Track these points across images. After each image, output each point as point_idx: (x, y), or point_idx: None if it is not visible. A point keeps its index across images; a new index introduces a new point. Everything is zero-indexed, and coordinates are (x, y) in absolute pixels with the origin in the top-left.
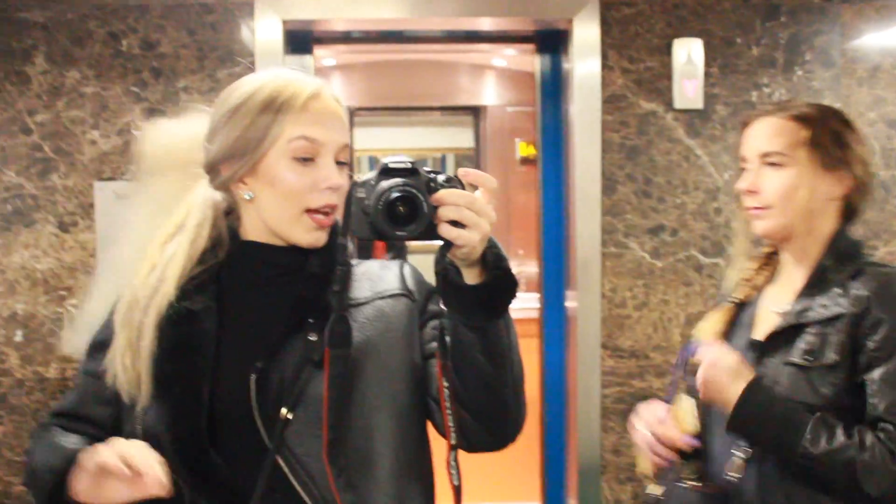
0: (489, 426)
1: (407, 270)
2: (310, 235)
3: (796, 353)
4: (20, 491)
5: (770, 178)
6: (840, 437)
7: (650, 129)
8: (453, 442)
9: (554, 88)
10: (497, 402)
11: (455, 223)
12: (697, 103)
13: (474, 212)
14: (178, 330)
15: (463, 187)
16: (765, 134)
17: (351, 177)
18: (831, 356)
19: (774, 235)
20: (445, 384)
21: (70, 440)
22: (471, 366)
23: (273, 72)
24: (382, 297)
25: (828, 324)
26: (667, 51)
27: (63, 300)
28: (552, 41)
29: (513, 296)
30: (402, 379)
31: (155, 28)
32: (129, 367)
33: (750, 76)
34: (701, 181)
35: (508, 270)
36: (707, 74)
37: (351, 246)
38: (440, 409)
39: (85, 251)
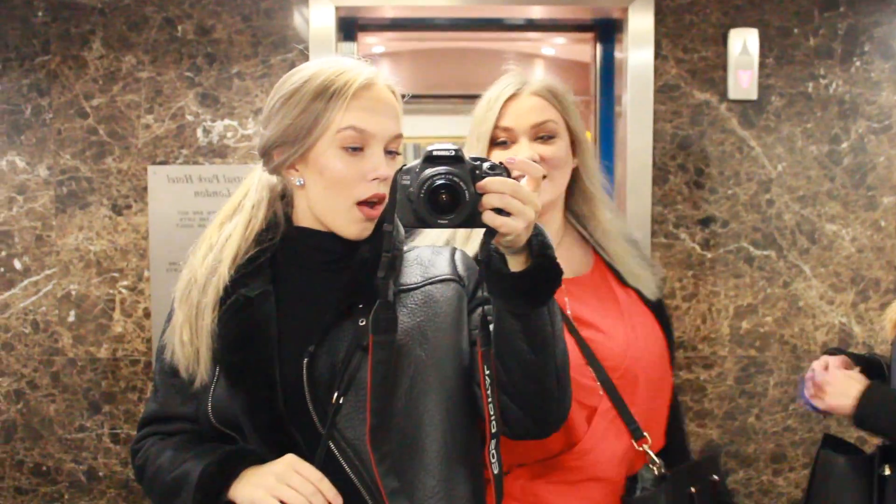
0: (532, 413)
1: (458, 256)
2: (356, 227)
3: None
4: (71, 468)
5: None
6: None
7: (703, 119)
8: (493, 430)
9: (607, 77)
10: (539, 389)
11: (499, 211)
12: (752, 94)
13: (519, 199)
14: (240, 318)
15: (509, 175)
16: None
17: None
18: None
19: None
20: (487, 371)
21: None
22: (513, 353)
23: (330, 60)
24: (432, 282)
25: None
26: (722, 41)
27: (115, 282)
28: (608, 29)
29: (556, 284)
30: (450, 364)
31: (210, 14)
32: (188, 343)
33: (806, 67)
34: (754, 172)
35: (552, 258)
36: (762, 65)
37: (403, 231)
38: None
39: (137, 234)
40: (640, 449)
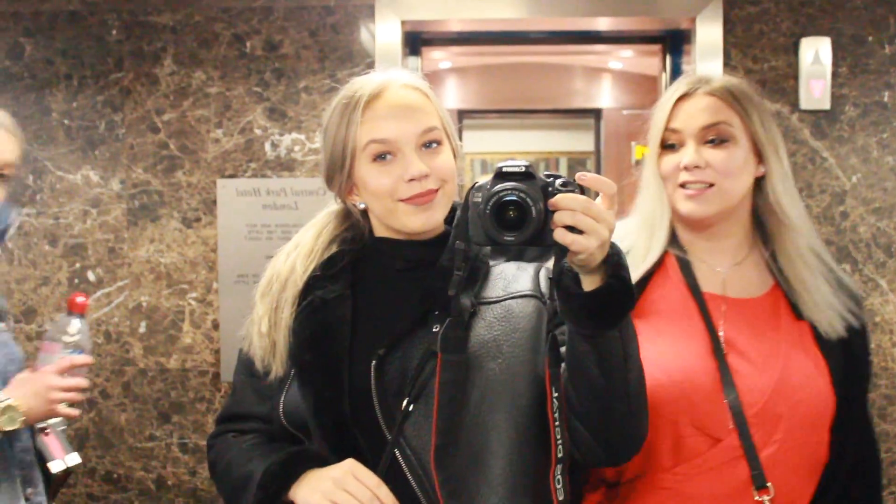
0: (600, 438)
1: (543, 273)
2: (416, 219)
3: None
4: (140, 476)
5: None
6: None
7: None
8: (559, 455)
9: None
10: (609, 415)
11: (572, 229)
12: (824, 104)
13: (592, 217)
14: (315, 318)
15: (582, 192)
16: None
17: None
18: None
19: None
20: (555, 393)
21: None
22: (582, 376)
23: (354, 79)
24: (513, 297)
25: None
26: (793, 50)
27: (185, 294)
28: (676, 41)
29: (628, 307)
30: (524, 380)
31: (278, 29)
32: (265, 335)
33: (881, 76)
34: (827, 184)
35: (625, 280)
36: (835, 74)
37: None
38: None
39: (206, 246)
40: (759, 500)
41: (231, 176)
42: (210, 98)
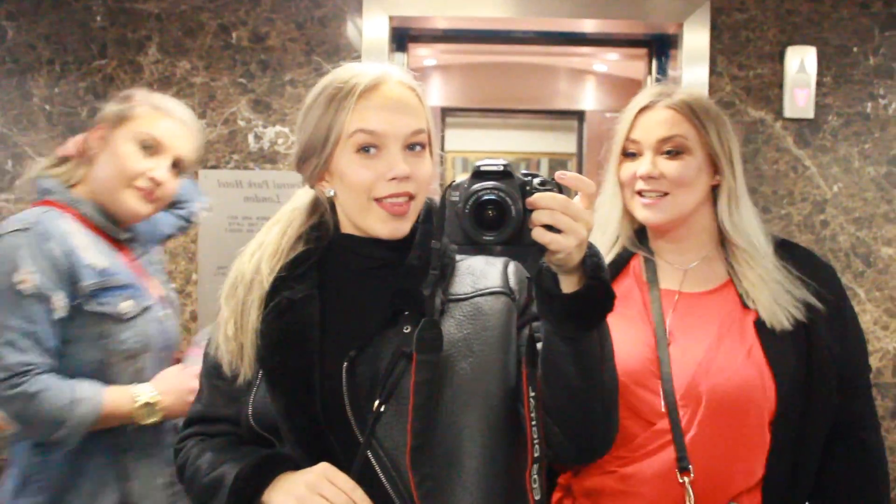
0: (575, 438)
1: (511, 268)
2: (386, 226)
3: None
4: None
5: None
6: None
7: (758, 137)
8: (536, 454)
9: None
10: (584, 414)
11: (550, 228)
12: (808, 113)
13: (570, 216)
14: (283, 320)
15: (560, 191)
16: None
17: (451, 182)
18: None
19: None
20: (532, 393)
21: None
22: (559, 376)
23: (343, 67)
24: (482, 294)
25: None
26: (779, 58)
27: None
28: (662, 45)
29: (608, 308)
30: (495, 378)
31: (264, 21)
32: (232, 338)
33: (865, 86)
34: (808, 192)
35: (605, 281)
36: (820, 83)
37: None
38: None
39: (186, 237)
40: (681, 482)
41: (213, 167)
42: (194, 88)
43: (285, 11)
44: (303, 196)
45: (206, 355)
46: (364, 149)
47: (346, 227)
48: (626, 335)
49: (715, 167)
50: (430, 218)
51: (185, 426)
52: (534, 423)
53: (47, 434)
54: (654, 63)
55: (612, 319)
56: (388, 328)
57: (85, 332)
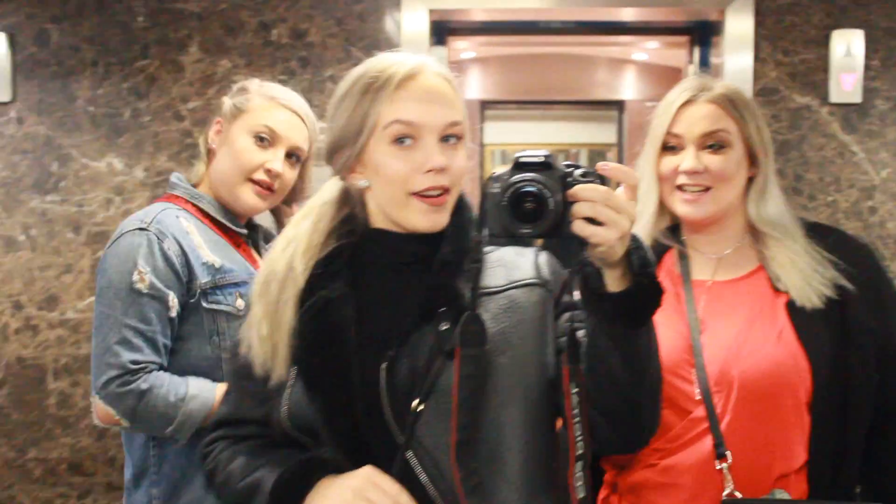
0: (620, 430)
1: (542, 258)
2: (426, 218)
3: None
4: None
5: None
6: None
7: (803, 123)
8: (579, 452)
9: None
10: (630, 407)
11: (592, 220)
12: (855, 97)
13: (612, 208)
14: (319, 320)
15: (603, 182)
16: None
17: (490, 175)
18: None
19: None
20: (575, 389)
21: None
22: (606, 371)
23: (378, 56)
24: (516, 286)
25: None
26: (824, 42)
27: None
28: (704, 32)
29: (658, 304)
30: (534, 372)
31: (304, 18)
32: (266, 337)
33: None
34: (856, 179)
35: (653, 276)
36: (867, 67)
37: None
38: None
39: None
40: (719, 468)
41: None
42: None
43: (324, 7)
44: (331, 189)
45: (233, 356)
46: (399, 140)
47: (378, 221)
48: (660, 329)
49: (752, 159)
50: (462, 211)
51: (211, 429)
52: (577, 420)
53: (159, 430)
54: (697, 51)
55: None
56: (425, 324)
57: (199, 329)
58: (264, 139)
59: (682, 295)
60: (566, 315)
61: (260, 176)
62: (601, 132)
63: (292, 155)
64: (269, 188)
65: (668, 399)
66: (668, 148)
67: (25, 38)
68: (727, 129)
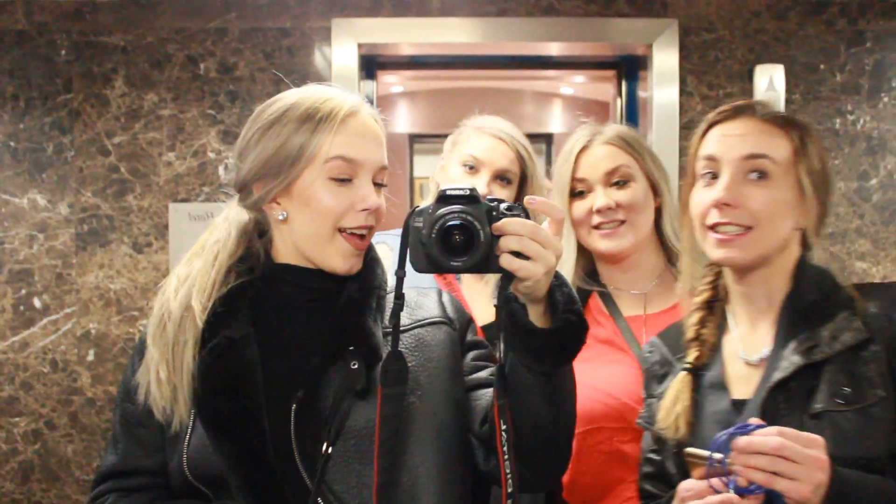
0: (535, 468)
1: (446, 298)
2: (345, 261)
3: (821, 399)
4: None
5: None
6: None
7: None
8: (510, 490)
9: (631, 115)
10: (548, 445)
11: (518, 254)
12: None
13: (539, 242)
14: (223, 362)
15: (528, 216)
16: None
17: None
18: (876, 392)
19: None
20: (503, 426)
21: None
22: (527, 409)
23: (309, 88)
24: (422, 325)
25: (850, 356)
26: (748, 77)
27: (135, 321)
28: (630, 67)
29: (583, 341)
30: (445, 411)
31: (232, 51)
32: (165, 381)
33: (833, 103)
34: None
35: (580, 314)
36: (789, 101)
37: (385, 272)
38: (485, 448)
39: (158, 272)
40: None
41: (183, 200)
42: (162, 120)
43: (253, 41)
44: (226, 225)
45: (119, 402)
46: (339, 178)
47: (283, 256)
48: (612, 369)
49: (654, 190)
50: (367, 249)
51: (97, 482)
52: (506, 457)
53: None
54: (624, 85)
55: (590, 355)
56: (332, 364)
57: None
58: (470, 166)
59: (619, 333)
60: (472, 353)
61: None
62: None
63: (501, 177)
64: None
65: (636, 431)
66: (575, 194)
67: None
68: (628, 165)
